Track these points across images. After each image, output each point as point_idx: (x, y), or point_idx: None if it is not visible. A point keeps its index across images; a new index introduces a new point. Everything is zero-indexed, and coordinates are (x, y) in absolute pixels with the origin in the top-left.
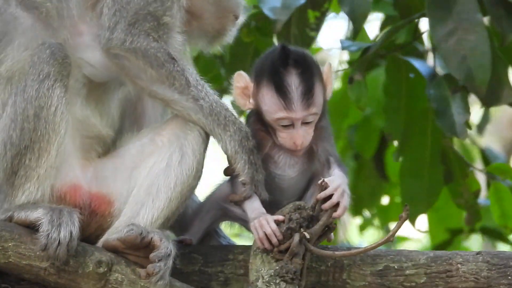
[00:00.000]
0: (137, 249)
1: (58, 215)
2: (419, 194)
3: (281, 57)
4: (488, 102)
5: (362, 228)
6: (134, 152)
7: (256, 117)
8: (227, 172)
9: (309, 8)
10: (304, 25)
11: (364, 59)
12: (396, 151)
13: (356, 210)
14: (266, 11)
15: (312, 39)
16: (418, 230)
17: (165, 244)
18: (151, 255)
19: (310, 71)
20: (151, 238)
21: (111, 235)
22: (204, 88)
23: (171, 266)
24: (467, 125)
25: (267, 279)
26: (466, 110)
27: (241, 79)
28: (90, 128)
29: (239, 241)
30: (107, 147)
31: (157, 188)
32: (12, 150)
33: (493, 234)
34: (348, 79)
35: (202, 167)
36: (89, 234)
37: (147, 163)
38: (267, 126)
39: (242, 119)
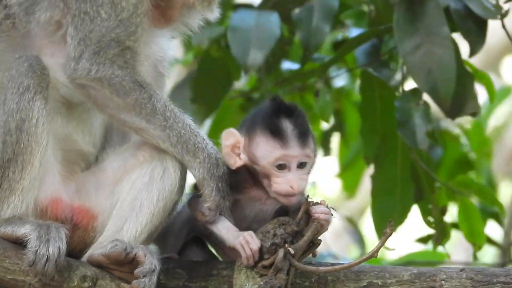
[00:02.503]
0: (122, 265)
1: (46, 231)
2: (391, 211)
3: (273, 106)
4: (451, 113)
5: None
6: (116, 166)
7: (246, 172)
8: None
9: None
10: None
11: (323, 67)
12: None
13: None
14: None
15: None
16: (387, 248)
17: (150, 260)
18: (136, 270)
19: (303, 118)
20: (135, 254)
21: (96, 250)
22: (173, 114)
23: (156, 281)
24: (429, 135)
25: None
26: (427, 121)
27: (231, 135)
28: (72, 145)
29: None
30: (90, 162)
31: (140, 202)
32: None
33: None
34: (314, 92)
35: (185, 182)
36: (72, 248)
37: (129, 178)
38: (257, 179)
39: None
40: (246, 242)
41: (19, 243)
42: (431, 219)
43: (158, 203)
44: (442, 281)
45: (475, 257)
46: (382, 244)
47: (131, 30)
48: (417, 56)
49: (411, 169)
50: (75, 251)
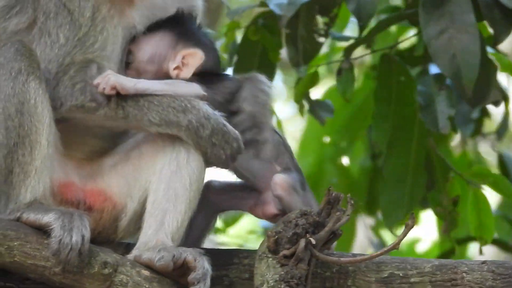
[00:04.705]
0: (171, 272)
1: (70, 219)
2: (400, 200)
3: None
4: (473, 101)
5: (376, 229)
6: (134, 151)
7: None
8: None
9: (317, 13)
10: (312, 30)
11: (350, 47)
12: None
13: (370, 210)
14: (272, 6)
15: (320, 45)
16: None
17: (201, 263)
18: (190, 277)
19: None
20: (185, 259)
21: (142, 251)
22: (146, 99)
23: (209, 284)
24: (450, 120)
25: (272, 284)
26: (450, 106)
27: None
28: (79, 129)
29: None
30: (104, 146)
31: (174, 192)
32: (1, 150)
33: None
34: (337, 71)
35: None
36: (92, 234)
37: (154, 167)
38: None
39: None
40: None
41: (41, 229)
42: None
43: (192, 187)
44: (464, 273)
45: (480, 252)
46: (403, 236)
47: (91, 42)
48: (441, 41)
49: (425, 158)
50: (92, 234)
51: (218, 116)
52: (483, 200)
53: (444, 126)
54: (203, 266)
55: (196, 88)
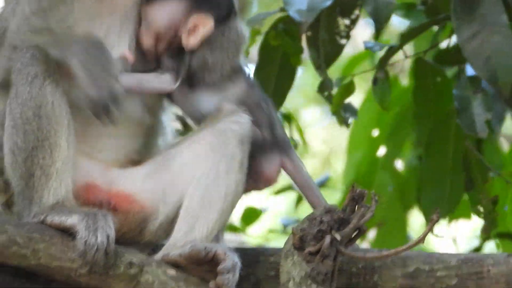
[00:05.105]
0: (201, 264)
1: (94, 220)
2: (440, 200)
3: None
4: (511, 102)
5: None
6: (174, 159)
7: None
8: None
9: (338, 15)
10: (334, 32)
11: (385, 57)
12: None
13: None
14: (292, 13)
15: (341, 47)
16: (436, 235)
17: (230, 257)
18: (219, 267)
19: None
20: (215, 252)
21: (170, 250)
22: (51, 37)
23: (238, 278)
24: (488, 124)
25: (298, 281)
26: (487, 109)
27: None
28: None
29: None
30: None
31: (209, 200)
32: (21, 154)
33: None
34: (373, 80)
35: (245, 174)
36: (116, 234)
37: (193, 173)
38: None
39: None
40: None
41: (66, 231)
42: (481, 209)
43: (227, 198)
44: (489, 267)
45: None
46: (428, 231)
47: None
48: (475, 44)
49: (463, 158)
50: (117, 235)
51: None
52: None
53: (482, 130)
54: (233, 259)
55: (165, 81)
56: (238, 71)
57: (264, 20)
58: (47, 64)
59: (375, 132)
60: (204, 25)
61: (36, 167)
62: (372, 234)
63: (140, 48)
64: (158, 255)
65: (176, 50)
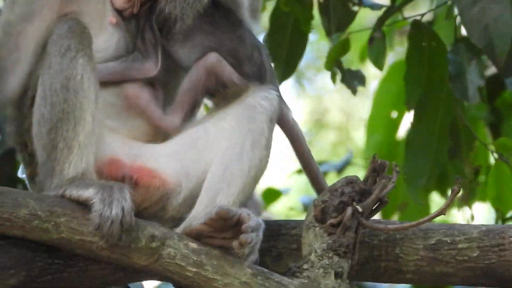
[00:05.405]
0: (225, 230)
1: (109, 192)
2: (423, 167)
3: None
4: (506, 72)
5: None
6: (200, 137)
7: None
8: None
9: None
10: None
11: (383, 16)
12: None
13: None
14: None
15: (354, 13)
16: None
17: (255, 218)
18: (244, 225)
19: None
20: (240, 215)
21: (192, 222)
22: None
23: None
24: (480, 91)
25: (320, 253)
26: (481, 76)
27: None
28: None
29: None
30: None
31: (232, 173)
32: (46, 125)
33: None
34: (369, 39)
35: (270, 151)
36: (136, 208)
37: (217, 148)
38: None
39: None
40: None
41: (85, 205)
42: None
43: (250, 174)
44: (511, 238)
45: (496, 223)
46: (450, 202)
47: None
48: (474, 12)
49: (451, 126)
50: (140, 210)
51: None
52: (505, 173)
53: (474, 96)
54: (257, 220)
55: (149, 68)
56: (213, 21)
57: None
58: (82, 37)
59: (394, 114)
60: None
61: (60, 139)
62: (395, 218)
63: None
64: (180, 228)
65: (149, 11)
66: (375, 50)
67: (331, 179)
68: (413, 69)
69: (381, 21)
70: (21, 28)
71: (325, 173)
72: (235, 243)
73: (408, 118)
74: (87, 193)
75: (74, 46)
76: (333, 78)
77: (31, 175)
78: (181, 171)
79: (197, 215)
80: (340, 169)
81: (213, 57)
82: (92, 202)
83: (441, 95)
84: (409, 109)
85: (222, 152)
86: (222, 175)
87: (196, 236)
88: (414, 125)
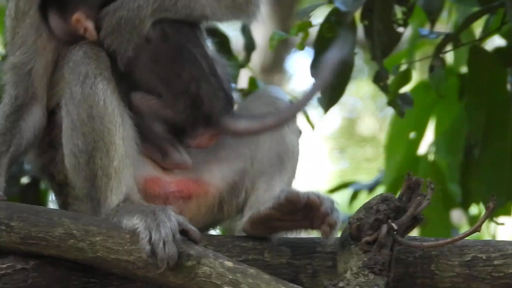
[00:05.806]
0: (293, 213)
1: (153, 217)
2: (499, 187)
3: None
4: None
5: (472, 224)
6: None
7: None
8: None
9: (394, 3)
10: (389, 20)
11: (442, 44)
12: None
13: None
14: (338, 4)
15: (399, 35)
16: (496, 223)
17: (326, 198)
18: (322, 209)
19: None
20: (308, 197)
21: (259, 207)
22: None
23: None
24: None
25: (355, 271)
26: None
27: None
28: None
29: None
30: None
31: (278, 157)
32: (83, 156)
33: None
34: (429, 68)
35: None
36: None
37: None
38: None
39: None
40: None
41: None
42: None
43: (294, 156)
44: None
45: None
46: (485, 218)
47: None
48: None
49: None
50: (196, 220)
51: None
52: None
53: None
54: (328, 198)
55: None
56: (156, 53)
57: (312, 12)
58: (98, 61)
59: (412, 135)
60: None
61: (98, 168)
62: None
63: None
64: (244, 219)
65: None
66: (436, 77)
67: (362, 199)
68: (473, 95)
69: (439, 48)
70: (29, 66)
71: (356, 193)
72: (324, 227)
73: (428, 137)
74: (130, 223)
75: (91, 72)
76: (398, 110)
77: (64, 205)
78: (222, 172)
79: (259, 200)
80: (371, 188)
81: (134, 96)
82: (138, 230)
83: (508, 116)
84: (474, 138)
85: (261, 142)
86: (269, 161)
87: (265, 220)
88: (484, 148)
